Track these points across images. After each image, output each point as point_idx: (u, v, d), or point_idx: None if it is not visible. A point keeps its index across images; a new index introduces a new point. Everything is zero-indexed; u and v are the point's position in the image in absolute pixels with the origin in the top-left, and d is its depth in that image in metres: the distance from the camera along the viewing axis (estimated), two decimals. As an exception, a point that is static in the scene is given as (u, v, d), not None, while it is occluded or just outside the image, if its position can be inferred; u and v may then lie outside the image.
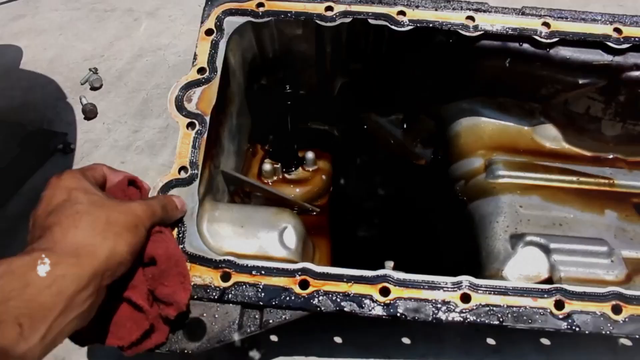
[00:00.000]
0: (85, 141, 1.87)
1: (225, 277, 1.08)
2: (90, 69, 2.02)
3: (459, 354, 1.35)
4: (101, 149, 1.85)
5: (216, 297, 1.07)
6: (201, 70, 1.23)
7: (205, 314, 1.11)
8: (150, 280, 0.99)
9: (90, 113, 1.91)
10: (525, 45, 1.29)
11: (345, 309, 1.07)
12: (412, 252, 1.44)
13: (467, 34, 1.27)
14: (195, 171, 1.15)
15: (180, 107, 1.20)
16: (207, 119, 1.19)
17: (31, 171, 1.80)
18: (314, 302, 1.07)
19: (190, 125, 1.18)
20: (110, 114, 1.93)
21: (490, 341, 1.37)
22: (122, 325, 0.97)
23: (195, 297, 1.07)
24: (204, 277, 1.08)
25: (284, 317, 1.10)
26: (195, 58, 1.25)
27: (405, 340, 1.37)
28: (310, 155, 1.55)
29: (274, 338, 1.38)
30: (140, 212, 0.96)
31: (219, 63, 1.25)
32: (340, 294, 1.07)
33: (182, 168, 1.16)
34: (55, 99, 1.96)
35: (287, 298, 1.07)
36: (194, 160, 1.16)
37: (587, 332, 1.08)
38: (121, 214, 0.92)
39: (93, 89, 1.99)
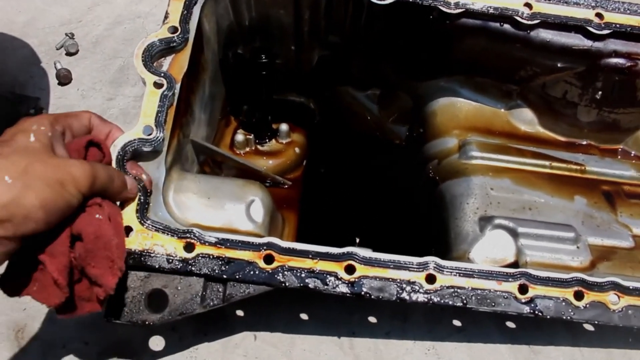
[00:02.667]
0: (58, 107, 1.82)
1: (189, 248, 1.05)
2: (66, 34, 1.95)
3: (423, 332, 1.36)
4: (74, 115, 1.81)
5: (179, 268, 1.04)
6: (173, 30, 1.17)
7: (167, 286, 1.09)
8: (78, 257, 0.92)
9: (64, 78, 1.86)
10: (506, 26, 1.27)
11: (309, 286, 1.06)
12: (382, 230, 1.44)
13: (448, 10, 1.24)
14: (160, 133, 1.09)
15: (147, 65, 1.14)
16: (178, 85, 1.15)
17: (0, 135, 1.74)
18: (278, 278, 1.05)
19: (158, 84, 1.12)
20: (85, 81, 1.88)
21: (456, 322, 1.37)
22: (44, 288, 0.90)
23: (157, 266, 1.03)
24: (166, 247, 1.04)
25: (247, 291, 1.09)
26: (166, 16, 1.19)
27: (372, 319, 1.37)
28: (284, 127, 1.53)
29: (239, 313, 1.37)
30: (76, 171, 0.88)
31: (192, 27, 1.20)
32: (305, 270, 1.06)
33: (147, 128, 1.09)
34: (28, 63, 1.90)
35: (251, 272, 1.05)
36: (160, 121, 1.10)
37: (548, 317, 1.09)
38: (46, 167, 0.85)
39: (68, 54, 1.93)
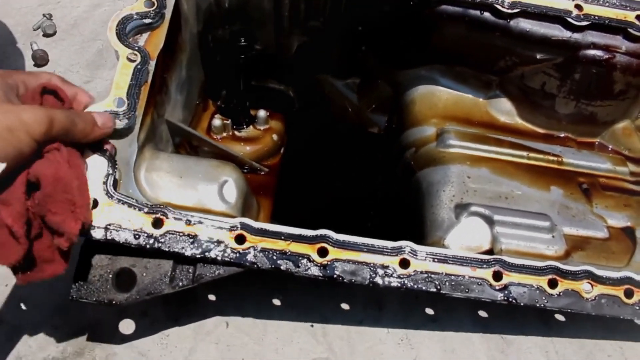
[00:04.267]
0: (32, 88, 1.79)
1: (158, 224, 1.01)
2: (44, 15, 1.92)
3: (396, 321, 1.35)
4: (49, 97, 1.78)
5: (146, 244, 1.00)
6: (149, 4, 1.15)
7: (136, 265, 1.07)
8: (37, 206, 0.87)
9: (40, 60, 1.82)
10: (486, 14, 1.28)
11: (281, 267, 1.04)
12: (358, 219, 1.43)
13: (429, -4, 1.24)
14: (132, 108, 1.06)
15: (121, 37, 1.11)
16: (153, 62, 1.13)
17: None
18: (249, 258, 1.03)
19: (132, 58, 1.09)
20: (62, 63, 1.85)
21: (429, 311, 1.36)
22: (1, 244, 0.86)
23: (123, 241, 1.00)
24: (133, 222, 1.00)
25: (217, 272, 1.07)
26: None
27: (344, 306, 1.36)
28: (262, 113, 1.51)
29: (211, 297, 1.35)
30: (28, 117, 0.83)
31: (170, 4, 1.18)
32: (277, 252, 1.04)
33: (119, 100, 1.05)
34: (4, 43, 1.86)
35: (222, 252, 1.03)
36: (132, 95, 1.07)
37: (522, 304, 1.08)
38: None
39: (46, 35, 1.90)
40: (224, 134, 1.50)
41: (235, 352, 1.29)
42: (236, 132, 1.51)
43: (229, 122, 1.49)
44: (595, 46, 1.29)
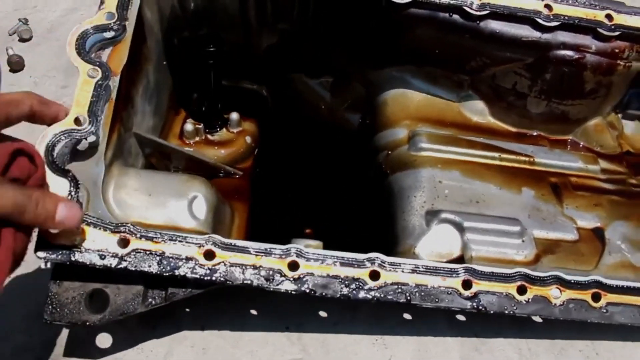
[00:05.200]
0: (9, 94, 1.77)
1: (123, 243, 1.00)
2: (20, 19, 1.89)
3: (371, 323, 1.36)
4: (25, 103, 1.76)
5: (112, 265, 0.99)
6: (110, 16, 1.12)
7: (108, 286, 1.07)
8: None
9: (16, 65, 1.80)
10: (455, 16, 1.26)
11: (252, 283, 1.04)
12: (333, 220, 1.43)
13: (397, 0, 1.22)
14: (93, 126, 1.02)
15: (81, 52, 1.08)
16: (117, 78, 1.11)
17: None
18: (219, 274, 1.03)
19: (92, 74, 1.07)
20: (39, 68, 1.83)
21: (407, 316, 1.38)
22: None
23: (88, 263, 0.98)
24: (98, 242, 0.98)
25: (190, 290, 1.08)
26: (102, 2, 1.15)
27: (322, 314, 1.37)
28: (234, 116, 1.50)
29: (187, 310, 1.35)
30: None
31: (132, 16, 1.15)
32: (248, 267, 1.04)
33: (78, 119, 1.02)
34: (-23, 47, 1.84)
35: (191, 269, 1.02)
36: (95, 112, 1.04)
37: (491, 311, 1.10)
38: None
39: (22, 40, 1.87)
40: (197, 139, 1.49)
41: (211, 355, 1.30)
42: (209, 136, 1.50)
43: (201, 126, 1.48)
44: (565, 46, 1.28)
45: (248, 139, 1.51)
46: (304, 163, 1.53)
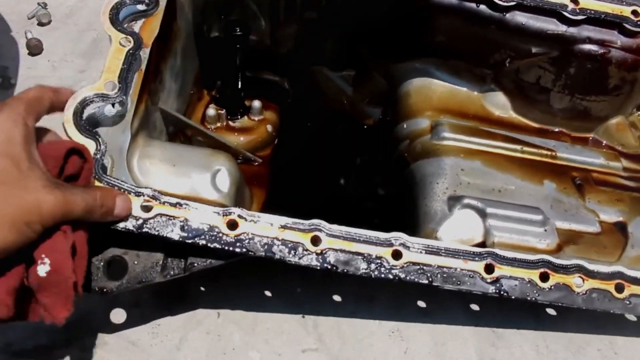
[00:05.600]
0: (27, 77, 1.78)
1: (147, 207, 0.99)
2: (39, 3, 1.92)
3: (388, 314, 1.35)
4: (44, 87, 1.77)
5: (135, 228, 0.98)
6: None
7: (127, 254, 1.06)
8: (31, 283, 0.84)
9: (35, 49, 1.82)
10: (482, 7, 1.27)
11: (275, 255, 1.03)
12: (351, 210, 1.43)
13: (424, -12, 1.24)
14: (124, 93, 1.04)
15: (115, 22, 1.10)
16: (147, 50, 1.12)
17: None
18: (242, 244, 1.01)
19: (125, 42, 1.08)
20: (57, 52, 1.85)
21: (421, 304, 1.37)
22: None
23: (110, 225, 0.97)
24: None
25: (209, 261, 1.07)
26: None
27: (336, 298, 1.36)
28: (256, 104, 1.51)
29: (202, 289, 1.34)
30: (47, 209, 0.79)
31: (165, -9, 1.17)
32: (271, 238, 1.03)
33: (110, 84, 1.03)
34: (-3, 31, 1.87)
35: (214, 237, 1.01)
36: (124, 79, 1.05)
37: (513, 297, 1.08)
38: (16, 208, 0.76)
39: (40, 24, 1.90)
40: (218, 124, 1.49)
41: (226, 342, 1.28)
42: (230, 123, 1.50)
43: (223, 112, 1.49)
44: (590, 41, 1.29)
45: (269, 127, 1.52)
46: (323, 154, 1.53)
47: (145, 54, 1.11)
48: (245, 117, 1.52)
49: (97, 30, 1.89)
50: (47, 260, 0.83)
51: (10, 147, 0.80)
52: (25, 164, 0.81)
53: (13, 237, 0.77)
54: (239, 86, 1.51)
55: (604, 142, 1.46)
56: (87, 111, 1.01)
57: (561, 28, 1.28)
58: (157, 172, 1.12)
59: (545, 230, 1.20)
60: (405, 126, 1.43)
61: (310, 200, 1.45)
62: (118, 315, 1.29)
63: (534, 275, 1.09)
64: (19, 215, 0.77)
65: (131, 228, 0.98)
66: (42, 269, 0.83)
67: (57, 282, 0.84)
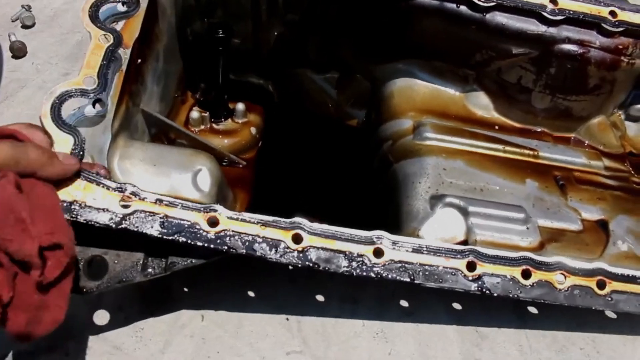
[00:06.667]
0: (11, 80, 1.78)
1: (126, 203, 0.97)
2: (22, 6, 1.92)
3: (371, 315, 1.34)
4: (28, 89, 1.77)
5: (113, 223, 0.96)
6: None
7: (107, 253, 1.06)
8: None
9: (18, 51, 1.82)
10: (462, 8, 1.28)
11: (256, 252, 1.02)
12: (336, 213, 1.42)
13: (405, -10, 1.25)
14: (103, 90, 1.03)
15: (94, 19, 1.09)
16: (128, 50, 1.12)
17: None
18: (223, 242, 1.00)
19: (104, 39, 1.07)
20: (41, 54, 1.85)
21: (404, 303, 1.36)
22: None
23: (89, 220, 0.95)
24: (99, 200, 0.96)
25: (190, 260, 1.06)
26: None
27: (319, 298, 1.35)
28: (240, 106, 1.51)
29: (185, 289, 1.34)
30: None
31: (145, -8, 1.18)
32: (252, 236, 1.02)
33: (90, 79, 1.02)
34: (-20, 34, 1.86)
35: (194, 234, 0.99)
36: (103, 76, 1.04)
37: (495, 294, 1.08)
38: None
39: (24, 27, 1.90)
40: (202, 127, 1.50)
41: (210, 345, 1.28)
42: (214, 125, 1.51)
43: (207, 114, 1.49)
44: (569, 41, 1.30)
45: (253, 130, 1.52)
46: (307, 155, 1.54)
47: (125, 54, 1.11)
48: (229, 119, 1.52)
49: (81, 32, 1.89)
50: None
51: None
52: None
53: None
54: (223, 89, 1.51)
55: (586, 141, 1.46)
56: (65, 105, 1.00)
57: (541, 28, 1.29)
58: (138, 172, 1.11)
59: (528, 228, 1.21)
60: (388, 127, 1.43)
61: (295, 202, 1.45)
62: (101, 317, 1.28)
63: (516, 272, 1.10)
64: None
65: (109, 223, 0.96)
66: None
67: (7, 210, 0.80)
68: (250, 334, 1.30)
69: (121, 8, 1.14)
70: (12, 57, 1.81)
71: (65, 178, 0.94)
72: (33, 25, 1.90)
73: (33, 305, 0.83)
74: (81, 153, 0.98)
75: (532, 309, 1.38)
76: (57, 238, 0.84)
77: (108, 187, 0.98)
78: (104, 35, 1.08)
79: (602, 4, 1.30)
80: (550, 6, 1.27)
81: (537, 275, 1.10)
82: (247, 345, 1.28)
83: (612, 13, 1.29)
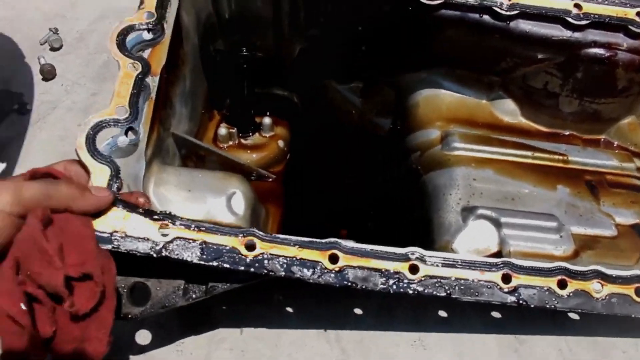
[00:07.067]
0: (42, 102, 1.82)
1: (165, 231, 0.98)
2: (50, 29, 1.95)
3: (409, 324, 1.35)
4: (58, 111, 1.80)
5: (154, 252, 0.97)
6: (149, 15, 1.14)
7: (149, 279, 1.08)
8: (26, 276, 0.82)
9: (48, 74, 1.85)
10: (485, 17, 1.28)
11: (294, 274, 1.03)
12: (367, 223, 1.44)
13: (427, 2, 1.24)
14: (135, 118, 1.04)
15: (122, 48, 1.11)
16: (156, 78, 1.14)
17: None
18: (261, 265, 1.01)
19: (133, 67, 1.09)
20: (69, 76, 1.88)
21: (442, 313, 1.37)
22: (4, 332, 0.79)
23: (130, 250, 0.96)
24: (139, 229, 0.97)
25: (229, 284, 1.08)
26: (141, 2, 1.17)
27: (357, 311, 1.37)
28: (267, 120, 1.52)
29: (224, 308, 1.36)
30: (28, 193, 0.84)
31: (170, 20, 1.19)
32: (289, 258, 1.03)
33: (121, 109, 1.04)
34: (11, 58, 1.89)
35: (232, 259, 1.01)
36: (134, 104, 1.06)
37: (532, 305, 1.08)
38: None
39: (52, 49, 1.93)
40: (230, 143, 1.51)
41: (250, 358, 1.30)
42: (242, 140, 1.52)
43: (234, 130, 1.51)
44: (596, 44, 1.29)
45: (280, 143, 1.53)
46: (336, 166, 1.54)
47: (154, 82, 1.13)
48: (257, 134, 1.54)
49: (107, 53, 1.90)
50: (19, 236, 0.83)
51: None
52: None
53: None
54: (249, 103, 1.52)
55: (616, 142, 1.45)
56: (100, 136, 1.02)
57: (566, 33, 1.28)
58: (173, 198, 1.13)
59: (561, 237, 1.21)
60: (415, 137, 1.43)
61: (326, 213, 1.46)
62: (143, 337, 1.31)
63: (551, 282, 1.09)
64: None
65: (150, 252, 0.98)
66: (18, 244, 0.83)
67: (31, 245, 0.83)
68: (289, 346, 1.32)
69: (147, 36, 1.15)
70: (42, 79, 1.84)
71: (101, 209, 0.96)
72: (61, 47, 1.92)
73: (76, 338, 0.86)
74: (120, 182, 1.00)
75: (573, 315, 1.38)
76: (86, 269, 0.86)
77: (146, 216, 0.99)
78: (132, 64, 1.10)
79: (627, 5, 1.28)
80: (574, 11, 1.26)
81: (573, 285, 1.09)
82: (286, 356, 1.31)
83: (639, 14, 1.28)
